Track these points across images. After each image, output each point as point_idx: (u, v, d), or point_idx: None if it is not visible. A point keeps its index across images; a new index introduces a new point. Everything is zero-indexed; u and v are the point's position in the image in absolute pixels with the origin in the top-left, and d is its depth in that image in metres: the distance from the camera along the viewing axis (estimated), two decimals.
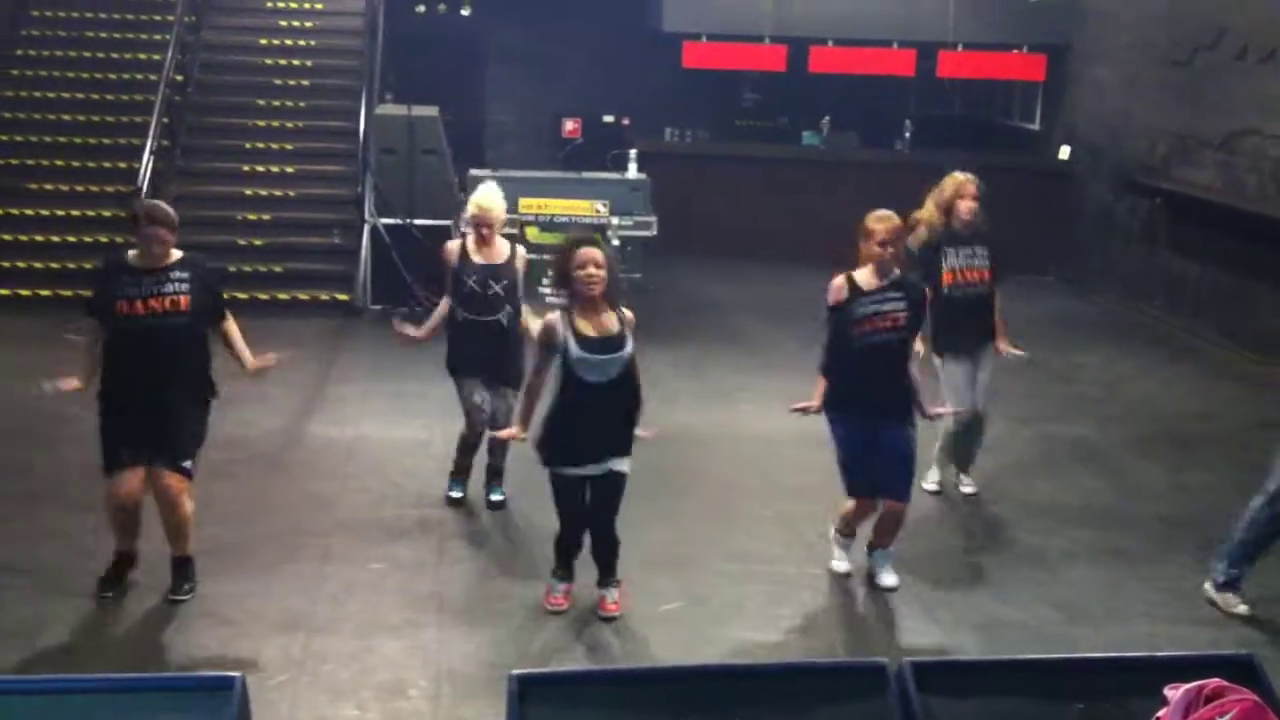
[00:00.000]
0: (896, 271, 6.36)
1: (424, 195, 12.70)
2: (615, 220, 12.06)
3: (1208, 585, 6.49)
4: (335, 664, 5.61)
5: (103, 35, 14.42)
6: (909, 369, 6.42)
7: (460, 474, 7.60)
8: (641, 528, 6.27)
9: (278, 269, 12.41)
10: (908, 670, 3.34)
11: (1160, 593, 6.66)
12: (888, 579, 6.55)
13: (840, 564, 6.74)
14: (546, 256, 11.59)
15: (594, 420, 5.90)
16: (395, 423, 9.00)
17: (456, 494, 7.57)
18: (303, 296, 12.24)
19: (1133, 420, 9.76)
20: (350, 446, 8.50)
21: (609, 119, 15.89)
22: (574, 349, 5.78)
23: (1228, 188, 12.24)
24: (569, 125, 15.93)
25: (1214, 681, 2.81)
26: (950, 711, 3.31)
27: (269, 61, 14.49)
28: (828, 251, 15.61)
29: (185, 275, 6.03)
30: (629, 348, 5.89)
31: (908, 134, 16.30)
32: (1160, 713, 2.83)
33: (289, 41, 14.79)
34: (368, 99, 13.42)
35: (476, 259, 7.30)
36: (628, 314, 5.99)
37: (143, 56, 14.02)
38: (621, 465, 5.98)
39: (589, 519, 6.10)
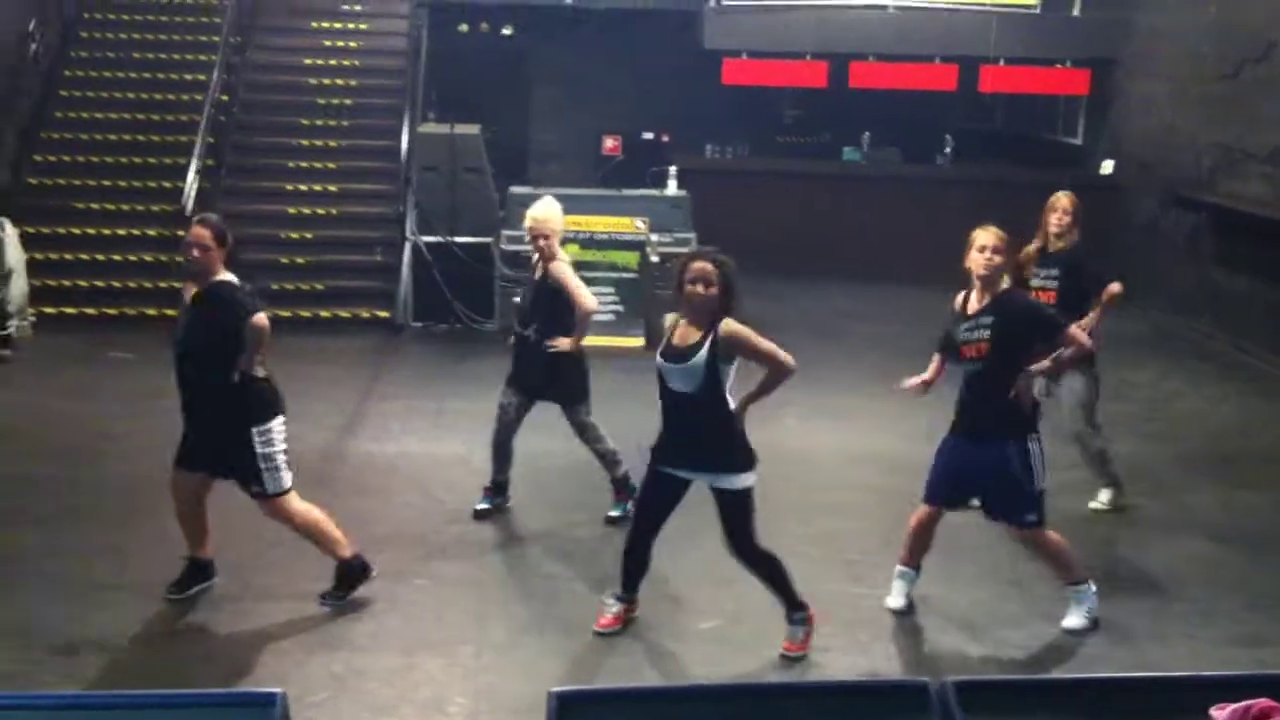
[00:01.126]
0: (1004, 285, 6.14)
1: (466, 213, 12.76)
2: (655, 237, 12.03)
3: None
4: (377, 681, 5.63)
5: (149, 56, 14.63)
6: (1009, 389, 6.02)
7: (491, 490, 7.62)
8: (680, 544, 6.25)
9: (320, 286, 12.51)
10: (950, 690, 3.31)
11: (1204, 614, 6.58)
12: (1070, 620, 6.33)
13: (895, 599, 6.47)
14: (586, 274, 11.67)
15: (676, 425, 5.86)
16: (437, 439, 9.04)
17: (482, 506, 7.59)
18: (344, 314, 12.32)
19: (1180, 438, 9.66)
20: (393, 463, 8.54)
21: (649, 136, 15.90)
22: (657, 354, 5.85)
23: (1276, 201, 12.11)
24: (609, 143, 15.97)
25: (1262, 701, 2.78)
26: None
27: (313, 81, 14.64)
28: (868, 267, 15.48)
29: (210, 311, 6.03)
30: (696, 358, 5.67)
31: (949, 149, 16.24)
32: None
33: (333, 61, 14.94)
34: (410, 118, 13.54)
35: (530, 273, 7.54)
36: (731, 328, 5.69)
37: (189, 77, 14.18)
38: (721, 482, 5.83)
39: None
